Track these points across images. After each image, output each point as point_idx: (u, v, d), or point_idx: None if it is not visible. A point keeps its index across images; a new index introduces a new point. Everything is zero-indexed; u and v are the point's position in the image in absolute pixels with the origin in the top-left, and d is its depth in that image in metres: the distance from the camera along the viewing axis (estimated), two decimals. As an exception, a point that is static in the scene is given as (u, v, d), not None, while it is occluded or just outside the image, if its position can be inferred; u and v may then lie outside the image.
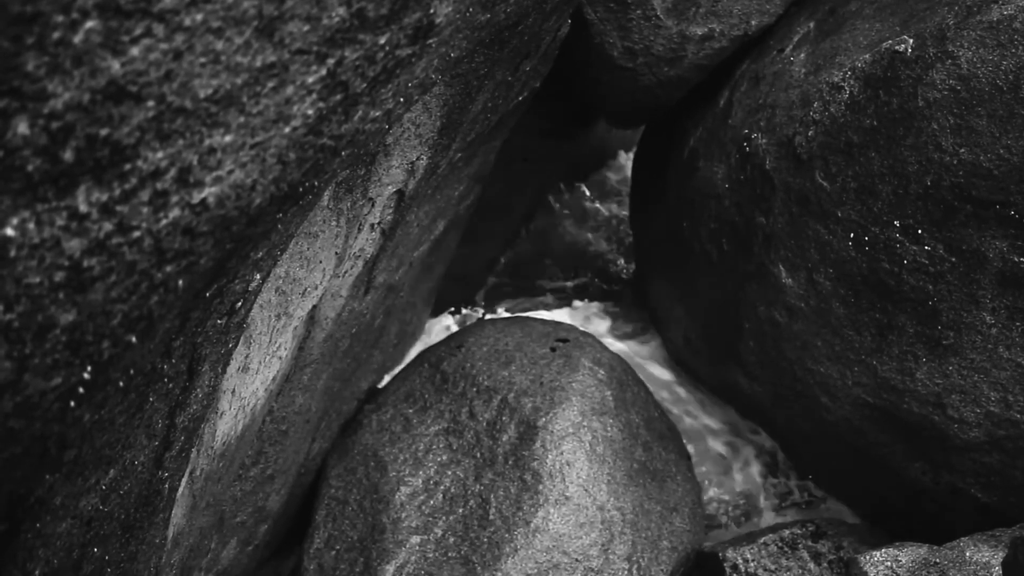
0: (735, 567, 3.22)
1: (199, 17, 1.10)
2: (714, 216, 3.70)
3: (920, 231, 2.93)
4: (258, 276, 1.88)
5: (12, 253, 1.00)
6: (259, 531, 3.20)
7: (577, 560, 3.12)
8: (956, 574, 2.59)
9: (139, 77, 1.06)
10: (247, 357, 2.23)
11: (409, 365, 3.97)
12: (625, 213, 6.26)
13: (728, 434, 4.30)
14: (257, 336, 2.25)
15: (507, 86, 3.01)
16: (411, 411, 3.67)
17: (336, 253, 2.47)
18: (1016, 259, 2.75)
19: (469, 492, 3.29)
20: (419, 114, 2.41)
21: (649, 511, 3.38)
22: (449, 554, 3.13)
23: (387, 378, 4.12)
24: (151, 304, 1.25)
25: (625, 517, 3.27)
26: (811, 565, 3.17)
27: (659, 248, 4.36)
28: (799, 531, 3.29)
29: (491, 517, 3.18)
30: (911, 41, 2.98)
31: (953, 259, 2.87)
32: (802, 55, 3.49)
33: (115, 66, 1.02)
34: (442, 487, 3.34)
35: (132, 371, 1.35)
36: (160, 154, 1.13)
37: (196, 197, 1.22)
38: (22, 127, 0.95)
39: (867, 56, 3.11)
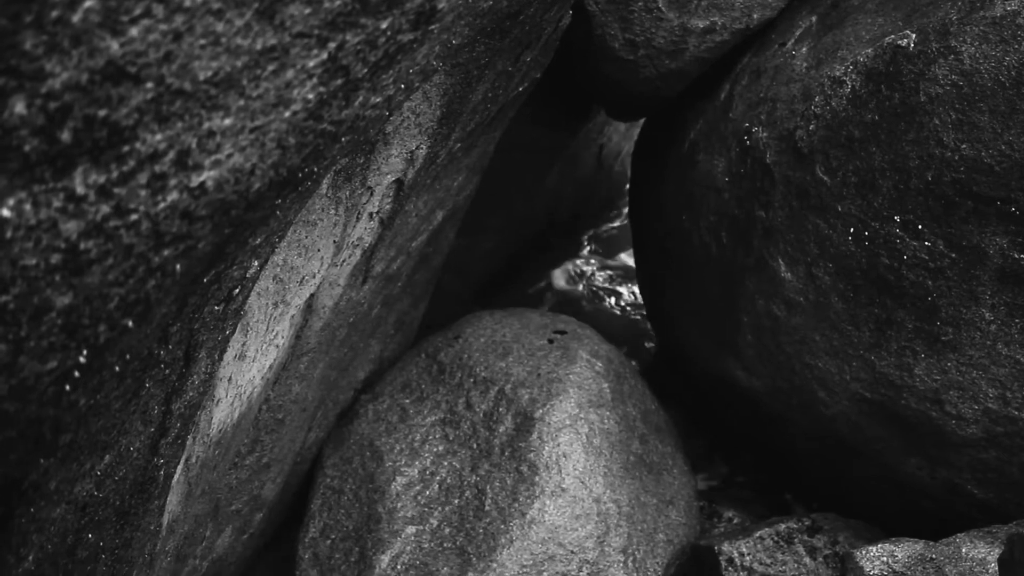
0: (730, 561, 3.22)
1: (199, -2, 1.09)
2: (714, 209, 3.69)
3: (920, 226, 2.92)
4: (256, 263, 1.87)
5: (8, 234, 0.99)
6: (254, 519, 3.20)
7: (572, 552, 3.12)
8: (952, 570, 2.59)
9: (138, 58, 1.05)
10: (244, 345, 2.23)
11: (406, 355, 3.97)
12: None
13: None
14: (254, 324, 2.24)
15: (508, 76, 3.00)
16: (408, 401, 3.66)
17: (334, 242, 2.45)
18: (1016, 256, 2.74)
19: (465, 483, 3.29)
20: (419, 103, 2.40)
21: (645, 504, 3.38)
22: (444, 544, 3.13)
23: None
24: (148, 288, 1.24)
25: (621, 510, 3.27)
26: (807, 560, 3.17)
27: (658, 241, 4.35)
28: (795, 525, 3.29)
29: (487, 508, 3.18)
30: (914, 36, 2.97)
31: (953, 255, 2.87)
32: (804, 49, 3.47)
33: (114, 46, 1.01)
34: (438, 477, 3.34)
35: (128, 356, 1.35)
36: (159, 136, 1.12)
37: (195, 180, 1.21)
38: (19, 107, 0.94)
39: (869, 50, 3.10)
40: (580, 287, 6.16)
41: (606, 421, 3.47)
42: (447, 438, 3.46)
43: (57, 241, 1.05)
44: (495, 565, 3.03)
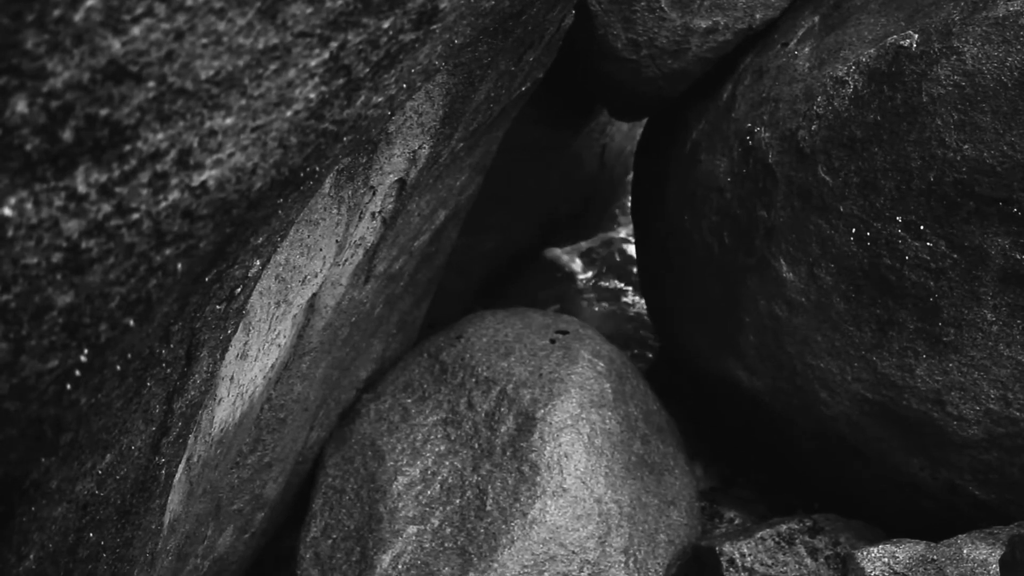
0: (732, 561, 3.22)
1: (201, -3, 1.09)
2: (716, 209, 3.69)
3: (922, 227, 2.92)
4: (258, 262, 1.87)
5: (10, 233, 0.99)
6: (256, 519, 3.20)
7: (574, 552, 3.12)
8: (953, 571, 2.58)
9: (140, 57, 1.05)
10: (246, 344, 2.23)
11: (408, 355, 3.97)
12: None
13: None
14: (256, 323, 2.24)
15: (510, 76, 3.00)
16: (409, 401, 3.66)
17: (337, 241, 2.46)
18: (1018, 256, 2.74)
19: (466, 483, 3.29)
20: (421, 102, 2.40)
21: (646, 504, 3.37)
22: (446, 544, 3.13)
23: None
24: (150, 287, 1.25)
25: (622, 510, 3.27)
26: (808, 560, 3.17)
27: (660, 241, 4.35)
28: (796, 526, 3.29)
29: (488, 508, 3.18)
30: (916, 36, 2.96)
31: (955, 256, 2.86)
32: (806, 49, 3.47)
33: (116, 45, 1.01)
34: (439, 477, 3.34)
35: (130, 355, 1.35)
36: (160, 135, 1.12)
37: (196, 180, 1.21)
38: (21, 105, 0.94)
39: (872, 51, 3.09)
40: (582, 287, 6.16)
41: (608, 421, 3.47)
42: (449, 438, 3.46)
43: (58, 240, 1.05)
44: (496, 565, 3.03)
